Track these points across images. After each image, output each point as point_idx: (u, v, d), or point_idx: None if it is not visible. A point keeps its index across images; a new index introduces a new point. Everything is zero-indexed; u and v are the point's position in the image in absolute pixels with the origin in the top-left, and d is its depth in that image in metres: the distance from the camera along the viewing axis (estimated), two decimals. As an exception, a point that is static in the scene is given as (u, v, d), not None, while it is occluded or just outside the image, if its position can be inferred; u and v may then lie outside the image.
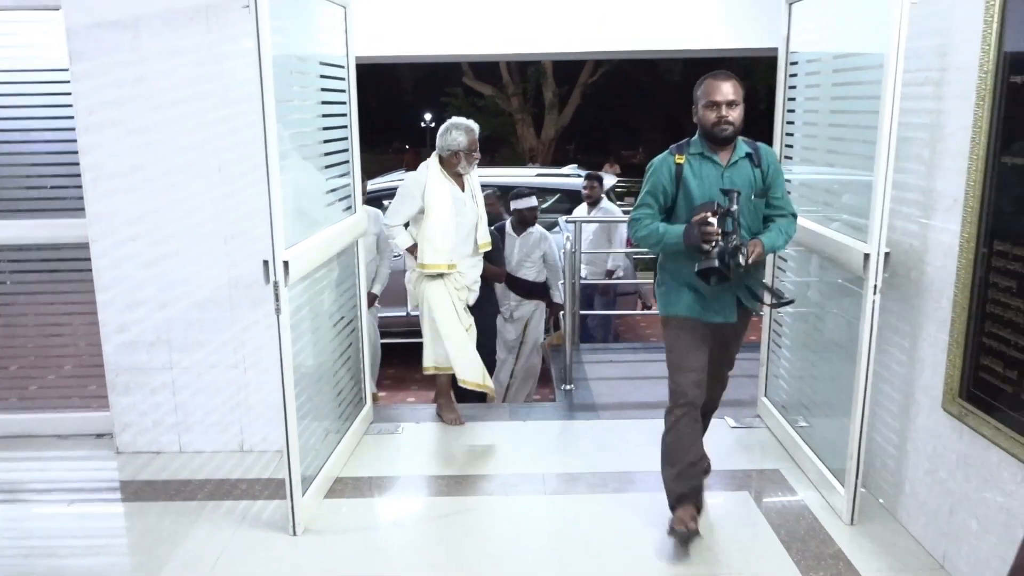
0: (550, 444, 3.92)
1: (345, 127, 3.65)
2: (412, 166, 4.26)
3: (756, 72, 14.95)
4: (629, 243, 6.68)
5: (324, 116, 3.47)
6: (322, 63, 3.43)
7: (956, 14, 2.61)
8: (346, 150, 3.67)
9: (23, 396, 4.03)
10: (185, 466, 3.60)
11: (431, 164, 4.02)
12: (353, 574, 2.78)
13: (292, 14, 3.09)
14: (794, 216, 2.96)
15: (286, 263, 2.78)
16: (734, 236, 2.63)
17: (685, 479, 2.89)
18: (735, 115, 2.74)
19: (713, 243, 2.60)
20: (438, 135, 4.04)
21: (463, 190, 4.06)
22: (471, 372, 4.07)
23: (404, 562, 2.88)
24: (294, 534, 2.97)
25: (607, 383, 4.76)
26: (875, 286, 2.79)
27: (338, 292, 3.66)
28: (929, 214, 2.78)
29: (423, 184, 3.98)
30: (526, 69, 18.99)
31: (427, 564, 2.86)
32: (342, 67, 3.59)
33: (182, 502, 3.27)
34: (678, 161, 2.82)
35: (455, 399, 4.32)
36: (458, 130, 3.97)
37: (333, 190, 3.56)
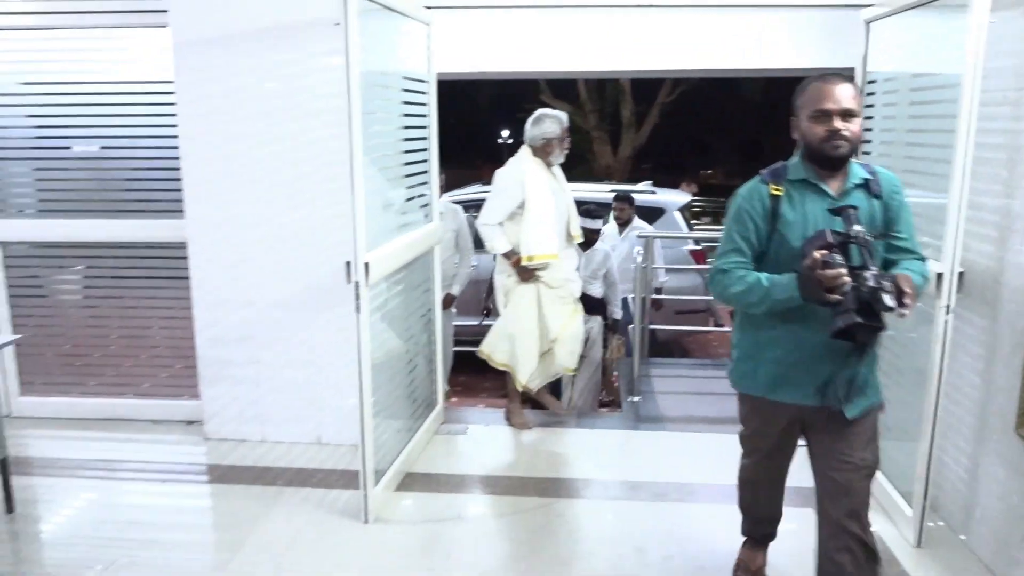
0: (615, 452, 3.98)
1: (425, 139, 3.82)
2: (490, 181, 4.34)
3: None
4: (703, 258, 6.68)
5: (406, 128, 3.64)
6: (405, 78, 3.61)
7: (1037, 33, 2.60)
8: (425, 160, 3.84)
9: (123, 383, 4.33)
10: (266, 454, 3.82)
11: (523, 156, 4.04)
12: (420, 561, 2.91)
13: (378, 31, 3.27)
14: (924, 260, 2.31)
15: (367, 264, 2.94)
16: (869, 272, 1.95)
17: (757, 522, 2.78)
18: (853, 129, 2.14)
19: (844, 288, 1.95)
20: (529, 125, 4.07)
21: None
22: (531, 378, 4.14)
23: (467, 554, 2.99)
24: (366, 522, 3.13)
25: (674, 396, 4.79)
26: (948, 306, 2.76)
27: (414, 296, 3.81)
28: (1006, 235, 2.75)
29: (520, 177, 4.00)
30: (604, 87, 19.07)
31: (489, 557, 2.96)
32: (424, 81, 3.77)
33: (262, 487, 3.47)
34: (773, 192, 2.19)
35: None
36: (550, 119, 4.02)
37: (412, 198, 3.73)
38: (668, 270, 6.35)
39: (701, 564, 2.91)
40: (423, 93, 3.77)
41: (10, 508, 3.26)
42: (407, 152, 3.66)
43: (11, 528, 3.18)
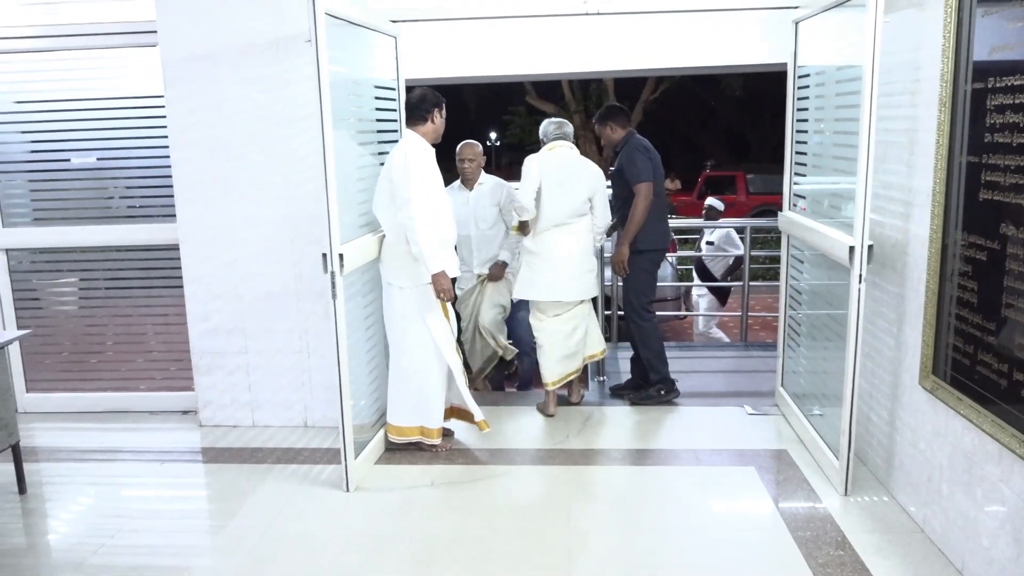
0: (580, 424, 4.25)
1: (396, 142, 4.13)
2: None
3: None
4: (674, 248, 7.00)
5: (379, 132, 3.96)
6: (376, 86, 3.92)
7: (925, 31, 2.91)
8: (398, 161, 4.14)
9: (121, 377, 4.64)
10: (257, 437, 4.13)
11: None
12: (394, 522, 3.22)
13: (349, 45, 3.58)
14: None
15: (341, 255, 3.25)
16: None
17: None
18: None
19: None
20: (555, 127, 4.32)
21: None
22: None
23: (437, 514, 3.30)
24: (347, 490, 3.44)
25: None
26: (860, 275, 3.09)
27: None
28: (909, 209, 3.07)
29: None
30: (588, 88, 19.40)
31: (457, 516, 3.26)
32: (393, 89, 4.08)
33: (253, 464, 3.79)
34: None
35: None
36: (567, 127, 4.38)
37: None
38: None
39: (655, 512, 3.22)
40: (393, 100, 4.09)
41: (22, 489, 3.57)
42: (381, 153, 3.97)
43: (24, 507, 3.49)
